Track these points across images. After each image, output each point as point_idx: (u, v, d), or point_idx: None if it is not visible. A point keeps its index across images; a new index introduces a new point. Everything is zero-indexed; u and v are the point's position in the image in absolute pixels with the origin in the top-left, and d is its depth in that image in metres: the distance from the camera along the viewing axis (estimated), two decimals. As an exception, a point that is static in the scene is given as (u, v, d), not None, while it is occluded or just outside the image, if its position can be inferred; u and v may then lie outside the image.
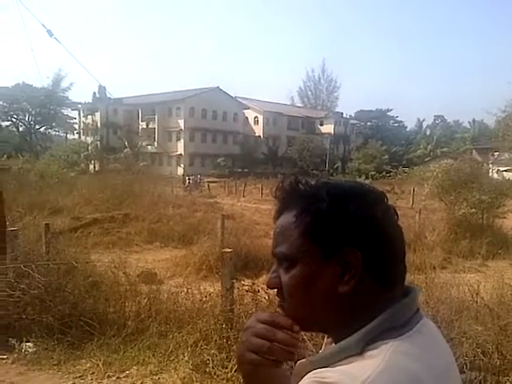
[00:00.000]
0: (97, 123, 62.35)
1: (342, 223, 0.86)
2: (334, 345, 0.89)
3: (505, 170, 40.44)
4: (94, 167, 53.17)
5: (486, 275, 9.09)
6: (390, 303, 0.85)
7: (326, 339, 1.01)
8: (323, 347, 1.00)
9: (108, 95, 56.52)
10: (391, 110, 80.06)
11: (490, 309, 5.02)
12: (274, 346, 0.88)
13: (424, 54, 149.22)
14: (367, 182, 44.59)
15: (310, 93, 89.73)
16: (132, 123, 63.43)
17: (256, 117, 68.37)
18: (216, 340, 4.88)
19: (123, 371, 4.95)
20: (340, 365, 0.81)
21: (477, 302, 5.27)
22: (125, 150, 52.62)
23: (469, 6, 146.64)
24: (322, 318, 0.89)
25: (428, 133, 77.20)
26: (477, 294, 5.34)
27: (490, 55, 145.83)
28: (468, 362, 4.56)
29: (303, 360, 0.91)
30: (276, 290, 0.93)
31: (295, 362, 0.94)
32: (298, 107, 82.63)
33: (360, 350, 0.81)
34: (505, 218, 17.75)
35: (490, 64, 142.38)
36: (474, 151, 57.61)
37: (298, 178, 0.94)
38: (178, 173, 52.96)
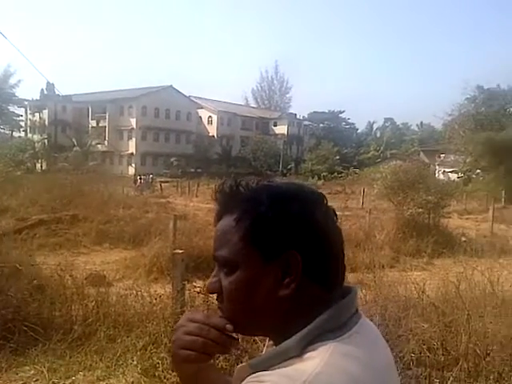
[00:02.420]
0: (44, 121, 60.38)
1: (281, 226, 0.85)
2: (274, 348, 0.89)
3: (450, 172, 42.07)
4: (42, 166, 51.36)
5: (432, 273, 9.42)
6: (329, 305, 0.85)
7: (267, 342, 1.00)
8: (264, 350, 1.00)
9: (57, 92, 54.88)
10: (343, 111, 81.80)
11: (435, 306, 5.17)
12: (207, 341, 0.88)
13: (375, 57, 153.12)
14: (320, 182, 45.46)
15: (263, 93, 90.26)
16: (82, 121, 61.75)
17: (210, 116, 68.15)
18: (166, 343, 4.79)
19: (69, 377, 4.78)
20: (279, 367, 0.81)
21: (423, 300, 5.41)
22: (74, 149, 51.07)
23: (419, 11, 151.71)
24: (262, 322, 0.89)
25: (378, 135, 79.38)
26: (423, 292, 5.49)
27: (438, 59, 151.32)
28: (415, 359, 4.68)
29: (243, 364, 0.91)
30: (216, 294, 0.92)
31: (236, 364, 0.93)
32: (252, 108, 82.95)
33: (299, 352, 0.81)
34: (450, 217, 18.44)
35: (438, 68, 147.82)
36: (421, 153, 59.59)
37: (238, 181, 0.92)
38: (130, 172, 52.03)
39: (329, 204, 0.92)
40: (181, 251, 5.50)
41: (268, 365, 0.83)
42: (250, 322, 0.89)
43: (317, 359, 0.78)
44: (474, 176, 38.56)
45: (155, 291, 6.10)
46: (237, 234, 0.87)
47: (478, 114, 36.78)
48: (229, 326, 0.89)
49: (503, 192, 31.98)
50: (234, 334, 0.91)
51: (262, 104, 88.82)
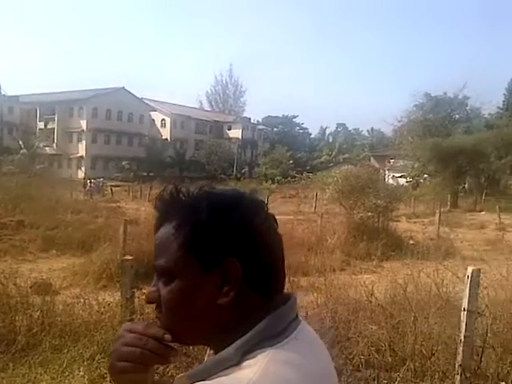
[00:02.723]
0: (-12, 122, 57.90)
1: (221, 234, 0.84)
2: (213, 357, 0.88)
3: (399, 176, 43.39)
4: (-15, 169, 49.23)
5: (381, 276, 9.62)
6: (269, 312, 0.85)
7: (208, 351, 0.99)
8: (206, 360, 0.98)
9: (2, 92, 52.78)
10: (297, 116, 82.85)
11: (383, 308, 5.29)
12: (145, 352, 0.86)
13: (328, 63, 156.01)
14: (274, 186, 45.76)
15: (218, 97, 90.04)
16: (29, 123, 59.61)
17: (163, 119, 67.35)
18: (114, 352, 4.66)
19: (12, 391, 4.58)
20: (217, 377, 0.80)
21: (371, 302, 5.52)
22: (21, 152, 49.21)
23: (369, 18, 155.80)
24: (201, 331, 0.88)
25: (331, 140, 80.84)
26: (371, 295, 5.60)
27: (389, 66, 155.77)
28: (364, 361, 4.77)
29: (181, 374, 0.90)
30: (155, 304, 0.90)
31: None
32: (207, 111, 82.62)
33: (238, 361, 0.81)
34: (398, 221, 18.98)
35: (389, 75, 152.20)
36: (372, 158, 61.16)
37: (178, 187, 0.91)
38: (79, 176, 50.74)
39: (269, 211, 0.93)
40: (130, 257, 5.39)
41: (206, 375, 0.82)
42: (188, 331, 0.88)
43: (255, 367, 0.78)
44: (421, 180, 39.95)
45: (104, 299, 5.95)
46: (175, 242, 0.86)
47: (426, 120, 38.16)
48: (167, 336, 0.87)
49: (449, 196, 33.30)
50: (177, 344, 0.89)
51: (216, 107, 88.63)
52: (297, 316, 0.91)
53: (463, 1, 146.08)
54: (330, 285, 6.61)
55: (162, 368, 4.23)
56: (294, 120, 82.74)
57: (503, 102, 69.24)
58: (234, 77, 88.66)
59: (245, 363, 0.80)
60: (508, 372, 4.29)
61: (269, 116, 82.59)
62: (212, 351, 0.93)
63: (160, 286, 0.88)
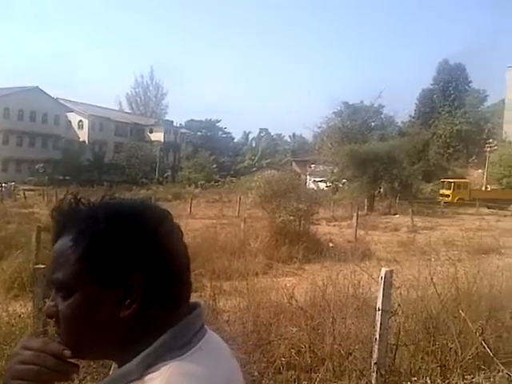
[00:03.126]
0: None
1: (121, 246, 0.82)
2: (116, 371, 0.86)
3: (320, 181, 44.75)
4: None
5: (302, 278, 9.84)
6: (173, 323, 0.84)
7: (113, 365, 0.96)
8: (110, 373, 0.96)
9: None
10: (220, 120, 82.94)
11: (303, 310, 5.39)
12: (42, 370, 0.82)
13: (252, 68, 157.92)
14: (197, 190, 45.51)
15: (138, 99, 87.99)
16: None
17: (80, 121, 64.73)
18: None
19: None
20: None
21: (291, 305, 5.62)
22: None
23: (293, 26, 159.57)
24: (103, 346, 0.85)
25: (254, 145, 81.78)
26: (291, 298, 5.69)
27: (310, 74, 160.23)
28: (285, 363, 4.84)
29: None
30: (54, 319, 0.86)
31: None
32: (127, 113, 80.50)
33: (140, 374, 0.79)
34: (319, 224, 19.51)
35: (309, 81, 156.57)
36: (293, 163, 62.68)
37: (78, 197, 0.88)
38: (-11, 179, 47.47)
39: (174, 221, 0.91)
40: (42, 266, 5.10)
41: None
42: (89, 346, 0.85)
43: (157, 380, 0.77)
44: (340, 185, 41.43)
45: (14, 310, 5.61)
46: (73, 255, 0.82)
47: (344, 127, 39.66)
48: (66, 352, 0.83)
49: (366, 200, 34.80)
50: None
51: (137, 110, 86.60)
52: (203, 326, 0.91)
53: (377, 13, 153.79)
54: (252, 289, 6.64)
55: (77, 380, 4.04)
56: (217, 124, 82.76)
57: (415, 111, 73.91)
58: (155, 79, 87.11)
59: (147, 377, 0.79)
60: (419, 368, 4.52)
61: (192, 120, 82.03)
62: (117, 365, 0.91)
63: (58, 300, 0.84)
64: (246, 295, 6.15)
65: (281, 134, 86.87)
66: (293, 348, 4.90)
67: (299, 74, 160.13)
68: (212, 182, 53.21)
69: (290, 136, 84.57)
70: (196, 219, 22.57)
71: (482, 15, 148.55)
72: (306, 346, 4.87)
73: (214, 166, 63.12)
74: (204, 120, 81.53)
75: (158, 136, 70.22)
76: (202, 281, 8.39)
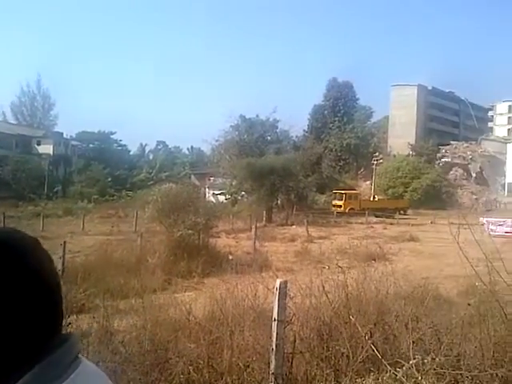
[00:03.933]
0: None
1: None
2: None
3: (219, 194, 44.99)
4: None
5: (202, 292, 9.77)
6: (43, 357, 0.79)
7: None
8: None
9: None
10: (115, 132, 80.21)
11: (201, 326, 5.33)
12: None
13: (147, 81, 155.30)
14: (90, 205, 43.51)
15: (24, 109, 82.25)
16: None
17: (-42, 132, 59.35)
18: None
19: None
20: None
21: (189, 321, 5.54)
22: None
23: (193, 43, 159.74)
24: None
25: (151, 157, 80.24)
26: (189, 314, 5.61)
27: (204, 85, 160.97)
28: (184, 380, 4.74)
29: None
30: None
31: None
32: (11, 124, 74.97)
33: None
34: (219, 237, 19.57)
35: (206, 95, 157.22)
36: (192, 176, 62.42)
37: None
38: None
39: (43, 248, 0.86)
40: None
41: None
42: None
43: None
44: (239, 198, 41.96)
45: None
46: None
47: (241, 140, 40.29)
48: None
49: (264, 212, 35.57)
50: None
51: (23, 120, 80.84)
52: (77, 357, 0.86)
53: (273, 28, 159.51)
54: (149, 306, 6.46)
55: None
56: (111, 136, 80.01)
57: (308, 125, 77.28)
58: (42, 87, 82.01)
59: None
60: (315, 374, 4.65)
61: (84, 131, 78.43)
62: None
63: None
64: (143, 313, 5.96)
65: (179, 147, 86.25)
66: (191, 365, 4.82)
67: (196, 87, 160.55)
68: (107, 197, 51.25)
69: (188, 149, 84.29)
70: (89, 236, 21.61)
71: (367, 36, 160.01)
72: (205, 361, 4.82)
73: (109, 179, 60.93)
74: (97, 132, 78.41)
75: (46, 148, 66.20)
76: (95, 301, 8.02)
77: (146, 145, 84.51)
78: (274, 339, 4.35)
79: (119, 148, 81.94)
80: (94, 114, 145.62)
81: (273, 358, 4.35)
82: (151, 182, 53.59)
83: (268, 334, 4.64)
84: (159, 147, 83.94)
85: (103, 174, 60.81)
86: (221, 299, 5.98)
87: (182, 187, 17.36)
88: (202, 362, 4.84)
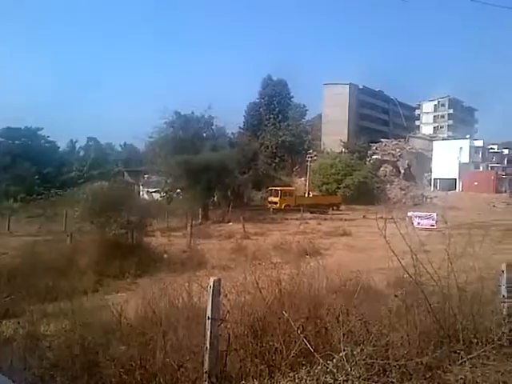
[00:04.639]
0: None
1: None
2: None
3: (154, 191, 44.15)
4: None
5: (135, 293, 9.56)
6: None
7: None
8: None
9: None
10: (42, 129, 76.43)
11: (133, 327, 5.21)
12: None
13: (78, 76, 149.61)
14: (16, 204, 41.37)
15: None
16: None
17: None
18: None
19: None
20: None
21: (120, 322, 5.40)
22: None
23: (123, 38, 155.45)
24: None
25: (82, 154, 77.39)
26: (120, 315, 5.47)
27: (134, 80, 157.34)
28: (115, 383, 4.60)
29: None
30: None
31: None
32: None
33: None
34: (153, 235, 19.22)
35: (140, 90, 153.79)
36: (126, 173, 60.85)
37: None
38: None
39: None
40: None
41: None
42: None
43: None
44: (175, 195, 41.36)
45: None
46: None
47: (176, 137, 39.65)
48: None
49: (200, 209, 35.29)
50: None
51: None
52: None
53: (205, 26, 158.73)
54: (79, 309, 6.23)
55: None
56: (38, 133, 76.29)
57: (244, 122, 77.65)
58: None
59: None
60: (249, 370, 4.66)
61: (8, 128, 74.21)
62: None
63: None
64: (71, 317, 5.73)
65: (111, 143, 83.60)
66: (122, 367, 4.69)
67: (128, 82, 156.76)
68: (34, 195, 48.83)
69: (120, 145, 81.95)
70: (16, 237, 20.61)
71: (300, 35, 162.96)
72: (137, 363, 4.70)
73: (36, 177, 58.18)
74: (23, 128, 74.49)
75: (-32, 146, 62.33)
76: (21, 304, 7.64)
77: (76, 141, 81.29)
78: (208, 337, 4.31)
79: (47, 145, 78.19)
80: (21, 110, 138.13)
81: (206, 356, 4.31)
82: (82, 180, 51.61)
83: (202, 332, 4.59)
84: (90, 144, 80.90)
85: (30, 171, 57.92)
86: (154, 299, 5.87)
87: (115, 185, 16.92)
88: (134, 364, 4.72)
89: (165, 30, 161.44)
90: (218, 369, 4.47)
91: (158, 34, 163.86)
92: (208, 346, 4.31)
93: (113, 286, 11.02)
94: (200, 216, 34.29)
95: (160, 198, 41.66)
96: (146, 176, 52.14)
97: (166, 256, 14.56)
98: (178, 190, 40.83)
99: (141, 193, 46.95)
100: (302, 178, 69.51)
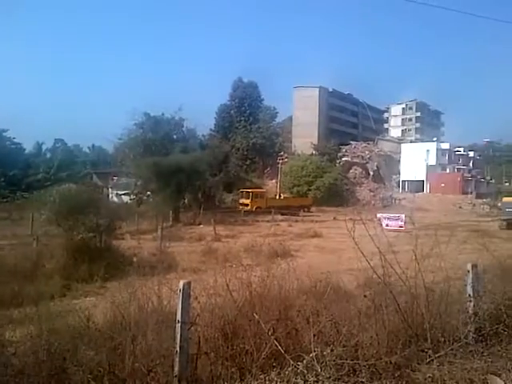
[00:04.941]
0: None
1: None
2: None
3: (123, 194, 43.48)
4: None
5: (104, 297, 9.41)
6: None
7: None
8: None
9: None
10: (7, 130, 74.54)
11: (101, 332, 5.12)
12: None
13: (44, 75, 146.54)
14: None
15: None
16: None
17: None
18: None
19: None
20: None
21: (88, 327, 5.30)
22: None
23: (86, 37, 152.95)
24: None
25: (49, 156, 75.82)
26: (88, 320, 5.37)
27: (108, 82, 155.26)
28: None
29: None
30: None
31: None
32: None
33: None
34: (123, 239, 18.95)
35: (108, 91, 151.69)
36: (94, 175, 59.89)
37: None
38: None
39: None
40: None
41: None
42: None
43: None
44: (145, 198, 40.86)
45: None
46: None
47: (146, 139, 39.22)
48: None
49: (171, 212, 34.97)
50: None
51: None
52: None
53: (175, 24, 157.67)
54: (45, 314, 6.08)
55: None
56: (4, 134, 74.35)
57: (215, 125, 77.38)
58: None
59: None
60: (220, 373, 4.63)
61: (-29, 129, 72.25)
62: None
63: None
64: (37, 322, 5.59)
65: (79, 145, 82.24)
66: (91, 373, 4.60)
67: (96, 82, 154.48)
68: (-1, 198, 47.59)
69: (89, 147, 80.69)
70: (-21, 241, 19.99)
71: (271, 38, 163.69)
72: (105, 368, 4.62)
73: (2, 179, 56.72)
74: (-13, 129, 72.48)
75: None
76: (-16, 311, 7.43)
77: (42, 143, 79.57)
78: (178, 341, 4.27)
79: (13, 146, 76.32)
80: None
81: (176, 360, 4.28)
82: (49, 183, 50.47)
83: (172, 336, 4.54)
84: (57, 145, 79.38)
85: (-5, 174, 56.49)
86: (123, 303, 5.77)
87: (83, 187, 16.64)
88: (102, 370, 4.64)
89: (134, 29, 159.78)
90: (189, 372, 4.44)
91: (127, 32, 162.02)
92: (178, 349, 4.28)
93: (81, 291, 10.81)
94: (171, 218, 34.00)
95: (130, 201, 41.09)
96: (115, 178, 51.32)
97: (135, 259, 14.33)
98: (148, 193, 40.36)
99: (110, 195, 46.23)
100: (273, 180, 69.79)
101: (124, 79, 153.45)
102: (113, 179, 52.53)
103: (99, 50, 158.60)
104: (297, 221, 37.11)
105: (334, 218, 35.95)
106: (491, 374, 4.93)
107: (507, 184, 76.42)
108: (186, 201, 42.44)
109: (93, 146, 78.96)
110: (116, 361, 4.74)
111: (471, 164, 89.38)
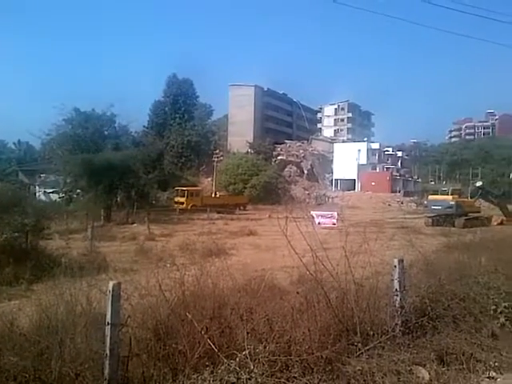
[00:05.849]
0: None
1: None
2: None
3: (52, 192, 41.61)
4: None
5: (30, 300, 8.98)
6: None
7: None
8: None
9: None
10: None
11: (26, 336, 4.88)
12: None
13: None
14: None
15: None
16: None
17: None
18: None
19: None
20: None
21: (12, 332, 5.04)
22: None
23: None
24: None
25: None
26: (12, 324, 5.11)
27: (33, 76, 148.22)
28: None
29: None
30: None
31: None
32: None
33: None
34: (51, 239, 18.14)
35: (35, 86, 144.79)
36: (20, 173, 56.99)
37: None
38: None
39: None
40: None
41: None
42: None
43: None
44: (75, 196, 39.34)
45: None
46: None
47: (76, 135, 37.81)
48: None
49: (102, 210, 33.90)
50: None
51: None
52: None
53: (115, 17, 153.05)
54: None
55: None
56: None
57: (148, 121, 75.88)
58: None
59: None
60: (152, 375, 4.55)
61: None
62: None
63: None
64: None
65: (4, 141, 78.10)
66: (15, 379, 4.38)
67: (19, 76, 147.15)
68: None
69: (14, 143, 76.76)
70: None
71: (207, 35, 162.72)
72: (31, 374, 4.41)
73: None
74: None
75: None
76: None
77: (-37, 139, 75.06)
78: (108, 344, 4.15)
79: None
80: None
81: (106, 363, 4.16)
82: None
83: (102, 339, 4.41)
84: (-20, 141, 75.13)
85: None
86: (50, 306, 5.53)
87: (7, 185, 15.76)
88: (27, 376, 4.43)
89: (66, 21, 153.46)
90: (119, 375, 4.33)
91: (60, 25, 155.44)
92: (108, 352, 4.16)
93: (5, 294, 10.26)
94: (102, 217, 32.97)
95: (59, 199, 39.43)
96: (42, 175, 49.03)
97: (64, 260, 13.78)
98: (79, 191, 38.90)
99: (37, 193, 44.20)
100: (209, 178, 69.55)
101: (53, 74, 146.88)
102: (40, 177, 50.17)
103: (25, 39, 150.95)
104: (232, 219, 37.17)
105: (269, 216, 36.29)
106: (416, 364, 5.18)
107: (433, 183, 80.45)
108: (118, 199, 41.30)
109: (19, 141, 75.25)
110: (42, 366, 4.55)
111: (399, 163, 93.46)
